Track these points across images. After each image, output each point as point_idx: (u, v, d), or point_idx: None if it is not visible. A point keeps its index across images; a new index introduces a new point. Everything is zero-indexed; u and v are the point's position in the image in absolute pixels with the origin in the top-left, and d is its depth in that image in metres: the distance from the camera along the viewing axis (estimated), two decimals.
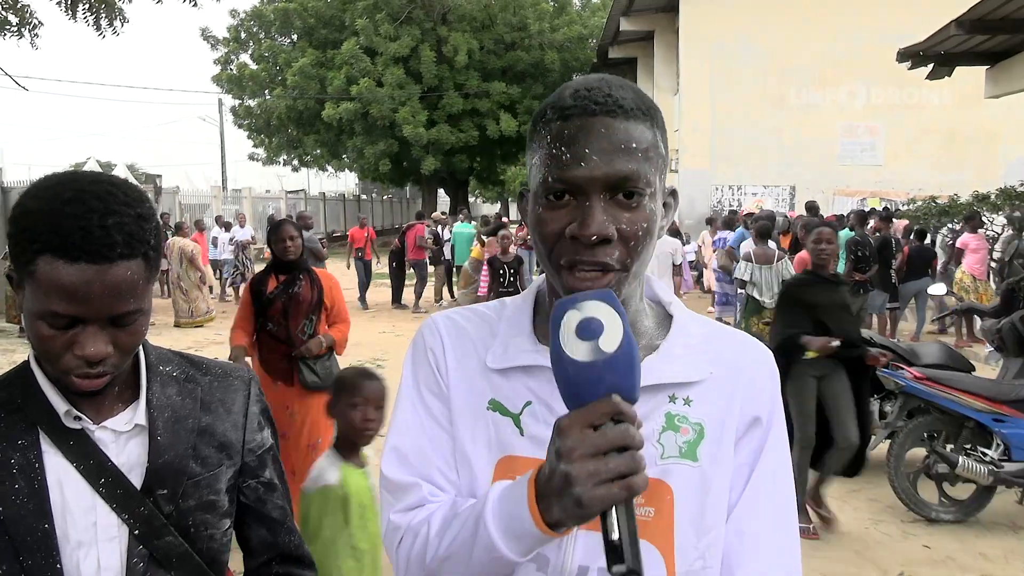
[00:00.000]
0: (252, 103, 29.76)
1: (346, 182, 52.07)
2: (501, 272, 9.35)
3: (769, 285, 7.99)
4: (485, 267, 9.93)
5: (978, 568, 4.39)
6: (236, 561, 1.35)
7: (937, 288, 9.90)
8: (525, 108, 27.59)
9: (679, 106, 19.43)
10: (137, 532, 1.19)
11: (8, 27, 7.30)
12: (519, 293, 1.20)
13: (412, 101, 26.43)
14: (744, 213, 15.11)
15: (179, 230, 13.43)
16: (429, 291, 15.18)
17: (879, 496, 5.31)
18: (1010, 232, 11.23)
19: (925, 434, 5.08)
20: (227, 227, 16.12)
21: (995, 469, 4.76)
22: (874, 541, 4.73)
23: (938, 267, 11.44)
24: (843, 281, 5.04)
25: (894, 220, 12.81)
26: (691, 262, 13.15)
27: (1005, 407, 4.85)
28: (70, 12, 7.14)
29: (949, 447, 4.92)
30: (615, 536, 0.83)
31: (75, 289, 1.06)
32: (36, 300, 1.08)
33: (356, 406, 2.77)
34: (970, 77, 11.38)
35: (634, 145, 0.97)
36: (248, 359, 4.46)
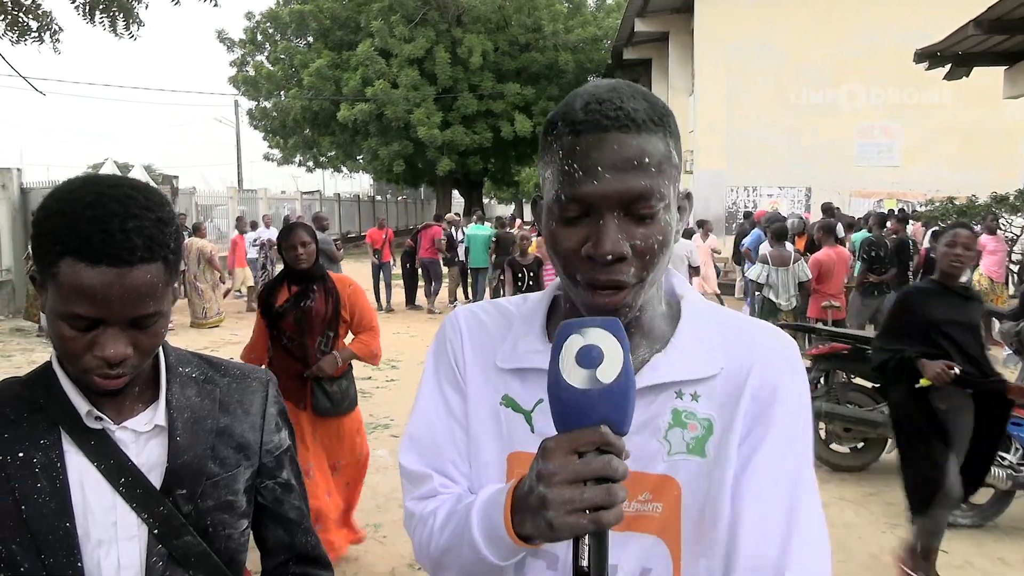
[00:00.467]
0: (268, 104, 29.93)
1: (361, 183, 52.29)
2: (519, 275, 9.28)
3: (785, 287, 7.96)
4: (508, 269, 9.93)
5: (997, 573, 4.35)
6: (253, 561, 1.36)
7: None
8: (540, 109, 27.58)
9: (694, 107, 19.37)
10: (156, 531, 1.20)
11: (29, 33, 7.38)
12: None
13: (427, 102, 26.50)
14: (745, 214, 15.08)
15: (197, 231, 13.52)
16: (444, 292, 15.22)
17: (896, 500, 5.26)
18: None
19: None
20: (252, 226, 16.24)
21: (1014, 473, 4.72)
22: (891, 545, 4.69)
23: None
24: (976, 296, 4.39)
25: (910, 222, 12.72)
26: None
27: None
28: (88, 16, 7.21)
29: None
30: (583, 563, 0.84)
31: (96, 292, 1.07)
32: (58, 302, 1.10)
33: None
34: (988, 78, 11.29)
35: (647, 160, 0.96)
36: None
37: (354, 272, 16.77)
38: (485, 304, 1.19)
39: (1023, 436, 4.76)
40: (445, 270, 15.12)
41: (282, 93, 29.16)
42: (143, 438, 1.23)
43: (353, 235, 31.88)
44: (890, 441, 5.51)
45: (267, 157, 32.14)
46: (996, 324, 9.58)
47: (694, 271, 8.39)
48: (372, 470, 5.77)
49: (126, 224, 1.08)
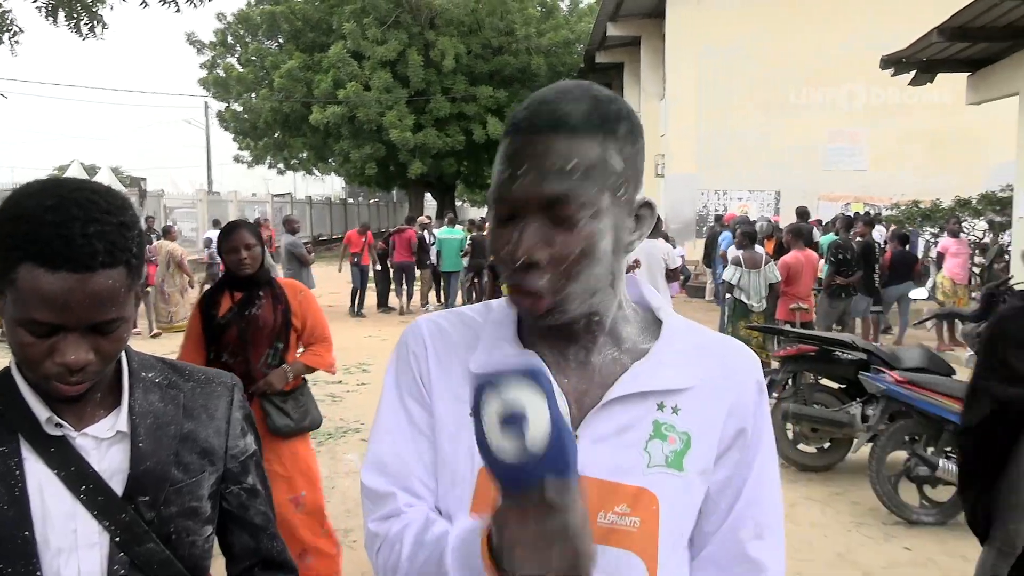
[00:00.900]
0: (238, 106, 29.64)
1: (332, 186, 51.94)
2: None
3: (756, 289, 8.05)
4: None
5: (959, 570, 4.43)
6: (218, 567, 1.36)
7: (918, 293, 10.00)
8: (512, 112, 27.55)
9: (666, 111, 19.51)
10: (118, 539, 1.19)
11: None
12: None
13: (399, 105, 26.40)
14: (716, 217, 15.22)
15: (167, 233, 13.35)
16: (416, 296, 15.18)
17: (861, 499, 5.35)
18: (993, 236, 11.35)
19: (906, 437, 5.12)
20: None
21: None
22: (856, 544, 4.76)
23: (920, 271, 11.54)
24: None
25: (876, 225, 12.91)
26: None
27: None
28: (51, 17, 7.10)
29: (930, 450, 4.96)
30: None
31: (56, 298, 1.06)
32: (17, 308, 1.08)
33: None
34: (953, 84, 11.50)
35: (571, 165, 0.94)
36: None
37: (325, 275, 16.59)
38: (446, 313, 1.15)
39: None
40: (417, 273, 15.08)
41: (253, 95, 28.90)
42: (104, 444, 1.21)
43: (325, 238, 31.68)
44: (855, 441, 5.59)
45: (237, 159, 31.84)
46: (959, 325, 9.77)
47: (671, 274, 8.41)
48: (342, 474, 5.76)
49: (87, 229, 1.07)
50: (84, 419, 1.21)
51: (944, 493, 5.02)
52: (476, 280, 14.00)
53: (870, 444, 5.23)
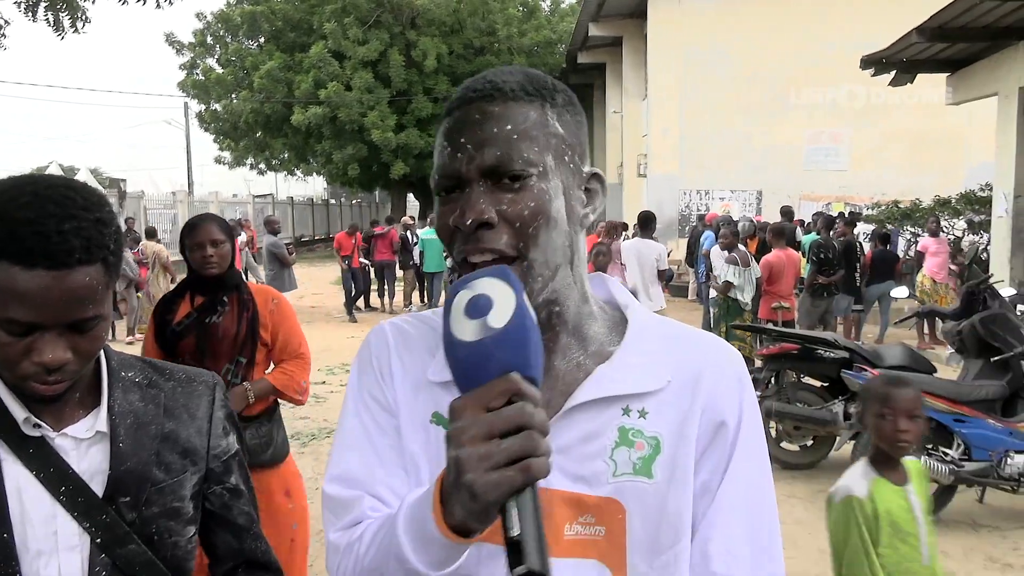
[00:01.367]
0: (218, 107, 29.46)
1: (314, 186, 51.74)
2: None
3: (749, 286, 8.11)
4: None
5: (944, 566, 4.46)
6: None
7: (899, 291, 10.08)
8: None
9: (648, 111, 19.57)
10: (99, 541, 1.17)
11: None
12: None
13: (381, 105, 26.34)
14: (698, 216, 15.32)
15: (152, 235, 13.22)
16: (399, 296, 15.14)
17: None
18: (972, 236, 11.47)
19: None
20: None
21: (955, 468, 4.84)
22: None
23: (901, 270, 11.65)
24: None
25: (858, 225, 13.01)
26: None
27: (965, 408, 4.94)
28: (30, 13, 7.01)
29: None
30: (515, 532, 0.74)
31: (32, 296, 1.04)
32: None
33: (885, 416, 2.52)
34: (932, 84, 11.61)
35: (509, 127, 0.92)
36: None
37: (308, 276, 16.46)
38: (409, 317, 1.10)
39: (964, 433, 4.90)
40: (400, 274, 15.04)
41: (233, 96, 28.73)
42: (84, 445, 1.20)
43: (307, 239, 31.54)
44: (838, 438, 5.62)
45: (218, 160, 31.65)
46: (940, 323, 9.85)
47: (662, 275, 8.43)
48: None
49: (63, 225, 1.05)
50: (63, 419, 1.19)
51: None
52: None
53: (852, 441, 5.26)
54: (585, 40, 22.16)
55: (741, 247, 8.63)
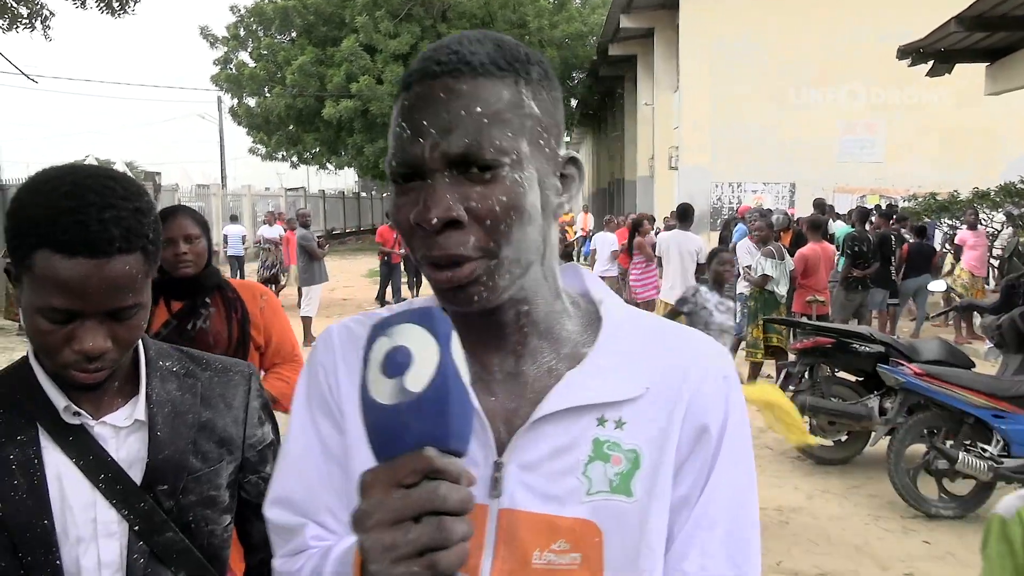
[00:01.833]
0: (251, 102, 29.74)
1: (345, 179, 52.09)
2: None
3: (785, 280, 8.03)
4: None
5: (978, 564, 4.36)
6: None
7: (937, 285, 9.91)
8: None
9: (679, 103, 19.41)
10: (137, 528, 1.19)
11: (20, 20, 7.28)
12: None
13: None
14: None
15: None
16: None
17: (879, 492, 5.31)
18: (1010, 229, 11.23)
19: (925, 430, 5.08)
20: (233, 219, 16.01)
21: (995, 465, 4.76)
22: (874, 537, 4.73)
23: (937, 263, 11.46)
24: None
25: (893, 218, 12.82)
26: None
27: (1005, 403, 4.85)
28: (79, 2, 7.11)
29: (949, 443, 4.92)
30: None
31: (73, 284, 1.05)
32: (34, 295, 1.08)
33: None
34: (970, 74, 11.37)
35: (479, 109, 0.80)
36: None
37: (339, 269, 16.56)
38: (360, 316, 0.99)
39: (1003, 428, 4.81)
40: None
41: (266, 91, 28.99)
42: (123, 433, 1.21)
43: (338, 232, 31.75)
44: (873, 434, 5.55)
45: (252, 151, 31.96)
46: (978, 318, 9.69)
47: (702, 268, 8.32)
48: None
49: (103, 214, 1.06)
50: (102, 408, 1.21)
51: (963, 486, 4.98)
52: None
53: (888, 437, 5.19)
54: (616, 32, 22.02)
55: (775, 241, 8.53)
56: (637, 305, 10.97)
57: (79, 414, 1.18)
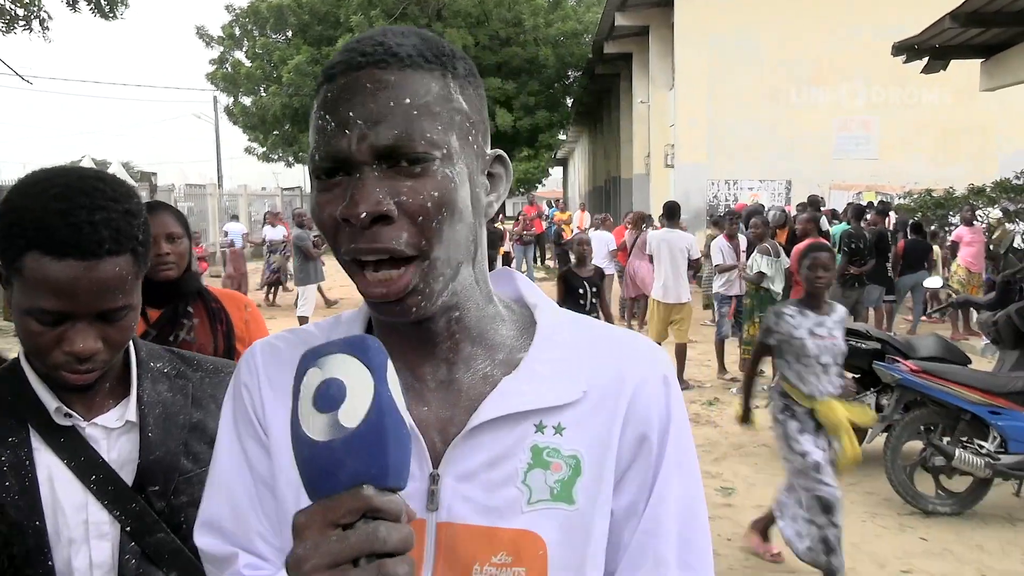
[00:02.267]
0: (247, 101, 29.72)
1: None
2: (581, 291, 6.99)
3: (780, 277, 8.04)
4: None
5: (975, 560, 4.40)
6: None
7: (933, 281, 9.92)
8: (520, 104, 27.56)
9: (675, 100, 19.42)
10: (129, 529, 1.19)
11: (17, 22, 7.27)
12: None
13: None
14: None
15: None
16: None
17: (876, 489, 5.31)
18: (1007, 225, 11.25)
19: (922, 427, 5.08)
20: (234, 219, 15.95)
21: (992, 461, 4.76)
22: (871, 534, 4.73)
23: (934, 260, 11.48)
24: None
25: (890, 214, 12.84)
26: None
27: (1001, 399, 4.85)
28: (71, 4, 7.11)
29: (946, 440, 4.93)
30: None
31: (63, 285, 1.05)
32: (24, 296, 1.08)
33: None
34: (965, 71, 11.39)
35: (408, 100, 0.78)
36: None
37: (335, 267, 16.60)
38: (285, 333, 0.95)
39: (1000, 425, 4.81)
40: None
41: (261, 89, 28.97)
42: (114, 434, 1.21)
43: None
44: (870, 431, 5.55)
45: (248, 151, 31.94)
46: (974, 314, 9.70)
47: (693, 264, 8.30)
48: None
49: (93, 216, 1.06)
50: (93, 409, 1.21)
51: (960, 483, 4.98)
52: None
53: (885, 434, 5.20)
54: (611, 30, 22.01)
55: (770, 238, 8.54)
56: (638, 300, 11.00)
57: (70, 415, 1.18)
